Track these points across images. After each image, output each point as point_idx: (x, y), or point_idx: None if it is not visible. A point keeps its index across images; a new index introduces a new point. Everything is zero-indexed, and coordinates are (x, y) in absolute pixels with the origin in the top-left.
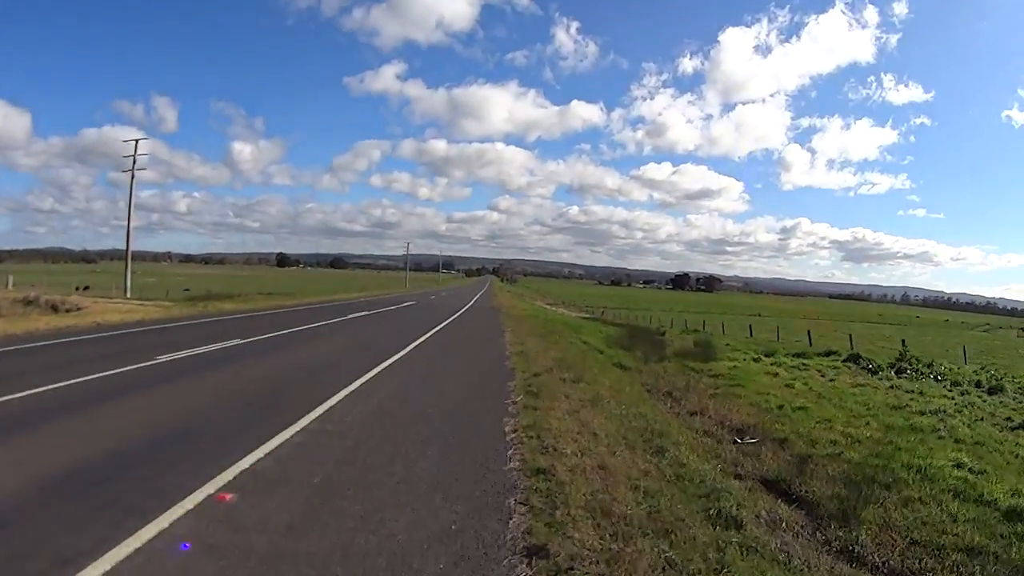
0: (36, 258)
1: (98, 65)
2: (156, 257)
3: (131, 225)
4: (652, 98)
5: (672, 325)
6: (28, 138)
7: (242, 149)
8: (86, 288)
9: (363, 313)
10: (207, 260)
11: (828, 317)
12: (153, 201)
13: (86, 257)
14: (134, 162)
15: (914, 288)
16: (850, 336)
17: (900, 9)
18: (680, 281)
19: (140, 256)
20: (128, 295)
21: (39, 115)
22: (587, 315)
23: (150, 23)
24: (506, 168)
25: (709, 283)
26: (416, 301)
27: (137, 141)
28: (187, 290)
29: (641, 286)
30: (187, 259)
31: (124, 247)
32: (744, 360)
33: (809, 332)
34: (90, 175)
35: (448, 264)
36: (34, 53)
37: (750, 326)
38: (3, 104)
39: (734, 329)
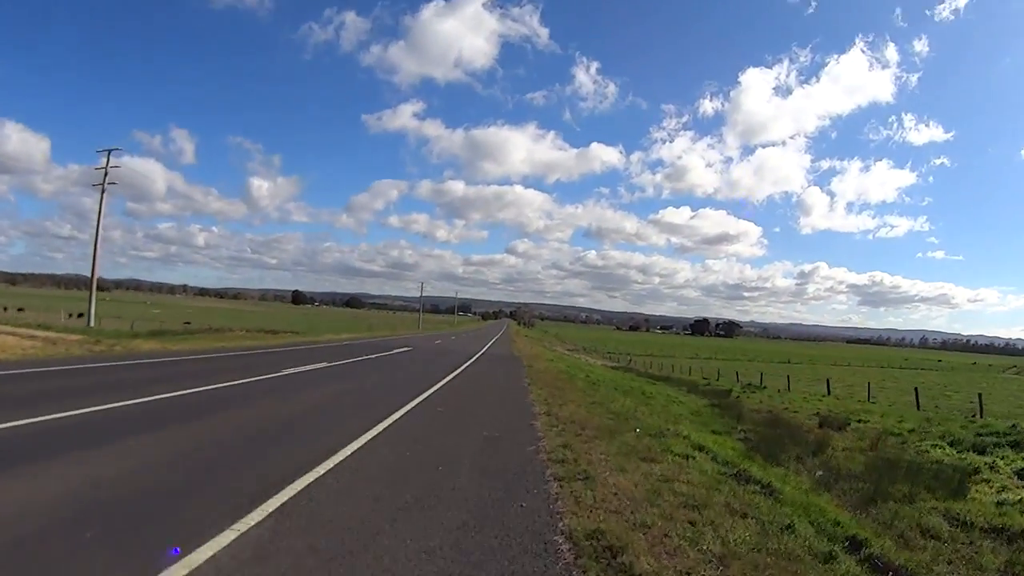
0: (49, 283)
1: (118, 95)
2: (172, 289)
3: (97, 250)
4: (671, 140)
5: (719, 376)
6: (47, 164)
7: (260, 185)
8: (19, 310)
9: (358, 359)
10: (222, 294)
11: (857, 363)
12: (171, 233)
13: (100, 285)
14: (105, 175)
15: (932, 331)
16: (916, 390)
17: (921, 47)
18: (699, 327)
19: (157, 287)
20: (91, 323)
21: (58, 141)
22: (613, 364)
23: (170, 56)
24: (524, 211)
25: (728, 329)
26: (424, 345)
27: (109, 152)
28: (187, 323)
29: (659, 332)
30: (202, 292)
31: (139, 277)
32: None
33: (869, 385)
34: (108, 204)
35: (465, 306)
36: (55, 80)
37: (828, 380)
38: (23, 129)
39: (795, 383)
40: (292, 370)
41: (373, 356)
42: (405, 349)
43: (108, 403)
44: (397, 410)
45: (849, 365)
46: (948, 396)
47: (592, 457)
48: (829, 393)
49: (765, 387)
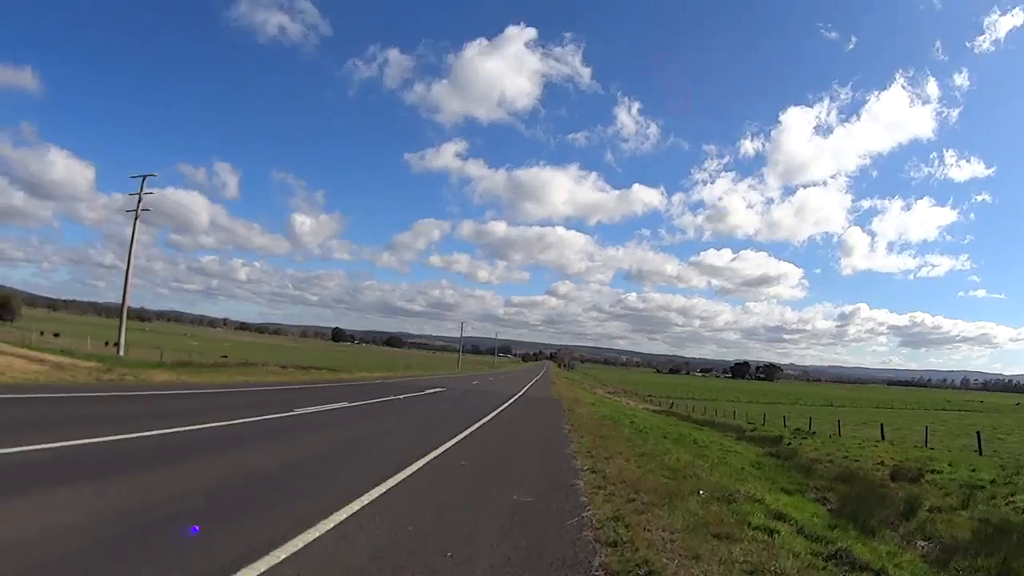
0: (90, 311)
1: (163, 126)
2: (213, 322)
3: (129, 277)
4: (713, 182)
5: (765, 420)
6: (91, 192)
7: (302, 221)
8: (55, 335)
9: (383, 399)
10: (262, 329)
11: (900, 406)
12: (213, 266)
13: (141, 315)
14: (139, 200)
15: (973, 371)
16: (978, 435)
17: (961, 81)
18: (740, 370)
19: (198, 320)
20: (121, 352)
21: (103, 169)
22: (656, 408)
23: (215, 89)
24: (565, 252)
25: (769, 371)
26: (459, 386)
27: (144, 178)
28: (224, 356)
29: (700, 374)
30: (243, 327)
31: (181, 309)
32: None
33: (926, 430)
34: (151, 235)
35: (505, 348)
36: (102, 107)
37: (881, 425)
38: (68, 155)
39: (844, 428)
40: (305, 409)
41: (401, 396)
42: (438, 390)
43: (48, 442)
44: (411, 464)
45: (892, 408)
46: (1001, 439)
47: (653, 536)
48: (883, 438)
49: (814, 432)
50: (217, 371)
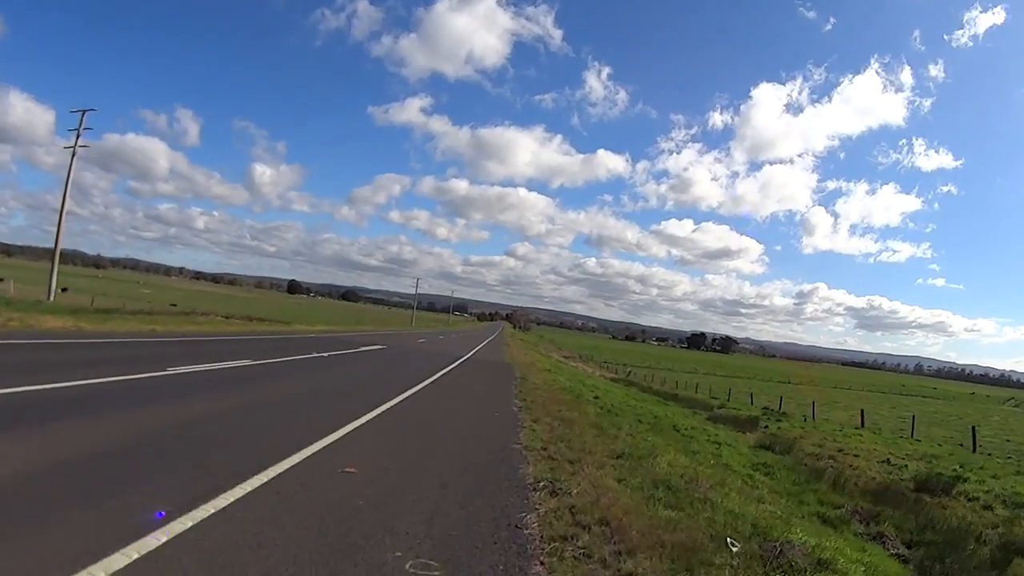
0: (46, 256)
1: (124, 71)
2: (169, 271)
3: (63, 218)
4: (679, 152)
5: (730, 396)
6: (50, 137)
7: (263, 172)
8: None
9: (302, 356)
10: (218, 279)
11: (858, 387)
12: (171, 214)
13: (97, 263)
14: (77, 136)
15: (927, 358)
16: (973, 430)
17: (936, 72)
18: (696, 341)
19: (154, 268)
20: (50, 298)
21: (63, 114)
22: (613, 375)
23: (178, 35)
24: (526, 214)
25: (725, 344)
26: (404, 344)
27: (83, 112)
28: (173, 305)
29: (655, 343)
30: (198, 276)
31: (138, 257)
32: None
33: (913, 419)
34: (110, 180)
35: (461, 307)
36: (63, 52)
37: (862, 412)
38: (28, 99)
39: (815, 409)
40: (185, 368)
41: (325, 354)
42: (376, 347)
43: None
44: (264, 471)
45: (850, 389)
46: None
47: None
48: (863, 425)
49: (785, 413)
50: (137, 319)
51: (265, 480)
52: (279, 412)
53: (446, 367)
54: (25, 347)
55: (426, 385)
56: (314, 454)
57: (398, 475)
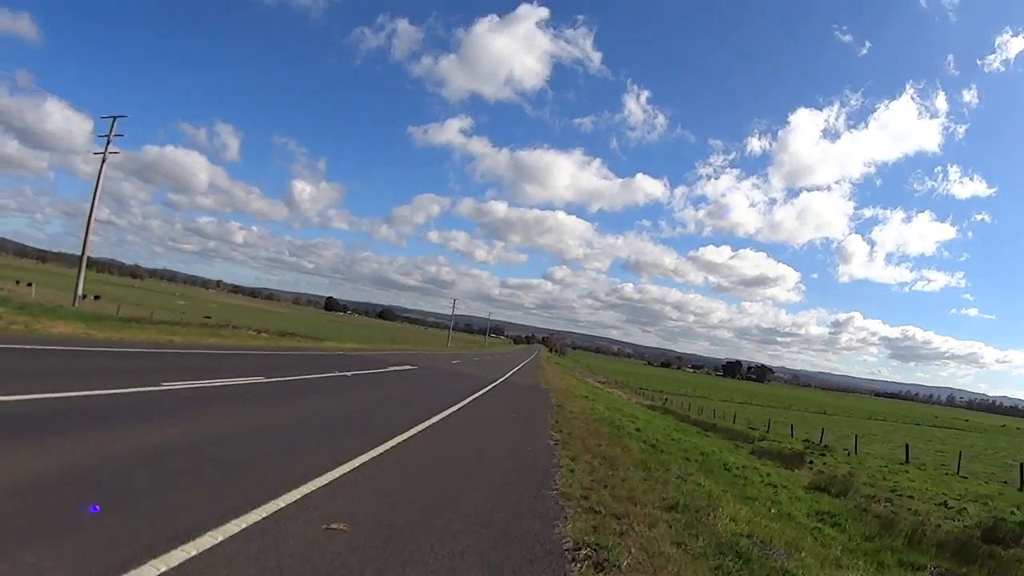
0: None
1: (164, 84)
2: (205, 283)
3: (91, 222)
4: (717, 177)
5: (769, 427)
6: (88, 145)
7: (303, 189)
8: (28, 284)
9: (321, 375)
10: (255, 294)
11: (893, 419)
12: (210, 228)
13: (134, 272)
14: (107, 142)
15: (958, 389)
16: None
17: (970, 98)
18: (731, 368)
19: (191, 280)
20: (76, 304)
21: (101, 124)
22: (649, 403)
23: (219, 49)
24: (564, 237)
25: (760, 373)
26: (436, 365)
27: (114, 119)
28: (208, 317)
29: (691, 370)
30: (236, 290)
31: (175, 268)
32: None
33: (960, 456)
34: (149, 192)
35: (498, 329)
36: (101, 60)
37: (907, 446)
38: (66, 107)
39: (867, 443)
40: (184, 384)
41: (349, 374)
42: (407, 368)
43: None
44: (217, 527)
45: (885, 420)
46: (1011, 465)
47: None
48: (908, 460)
49: (827, 447)
50: (157, 329)
51: (219, 540)
52: (266, 444)
53: (478, 392)
54: (5, 352)
55: (452, 412)
56: (298, 501)
57: (400, 536)
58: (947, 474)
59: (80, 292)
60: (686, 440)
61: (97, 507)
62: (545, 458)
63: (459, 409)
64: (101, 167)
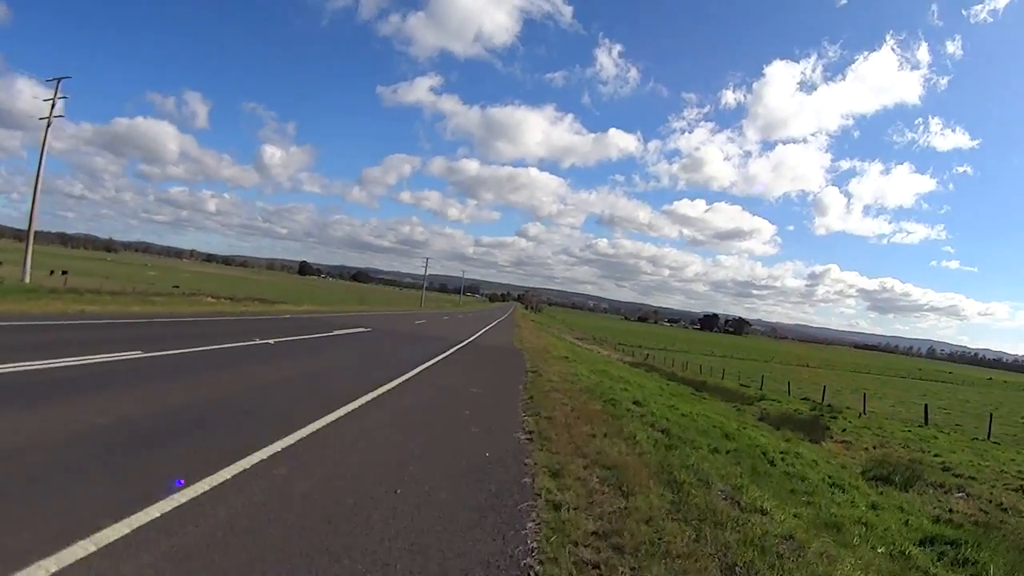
0: (56, 241)
1: (131, 54)
2: (179, 253)
3: (37, 192)
4: (691, 131)
5: (763, 384)
6: (60, 122)
7: (273, 153)
8: None
9: (245, 343)
10: (228, 261)
11: (876, 371)
12: (182, 197)
13: (109, 246)
14: (52, 105)
15: (939, 342)
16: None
17: (954, 49)
18: (708, 322)
19: (165, 251)
20: (26, 279)
21: (72, 99)
22: (631, 359)
23: (184, 17)
24: (537, 194)
25: (738, 326)
26: (395, 327)
27: (58, 80)
28: (176, 287)
29: (668, 324)
30: (209, 259)
31: (150, 240)
32: None
33: (991, 418)
34: (120, 165)
35: (473, 288)
36: (69, 35)
37: (926, 407)
38: (36, 83)
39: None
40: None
41: (272, 341)
42: (357, 331)
43: None
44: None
45: (869, 373)
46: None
47: None
48: (927, 422)
49: (831, 407)
50: (101, 300)
51: None
52: (75, 463)
53: (435, 357)
54: None
55: (386, 391)
56: None
57: None
58: (976, 439)
59: (28, 266)
60: (693, 411)
61: None
62: (513, 474)
63: (398, 386)
64: (46, 132)
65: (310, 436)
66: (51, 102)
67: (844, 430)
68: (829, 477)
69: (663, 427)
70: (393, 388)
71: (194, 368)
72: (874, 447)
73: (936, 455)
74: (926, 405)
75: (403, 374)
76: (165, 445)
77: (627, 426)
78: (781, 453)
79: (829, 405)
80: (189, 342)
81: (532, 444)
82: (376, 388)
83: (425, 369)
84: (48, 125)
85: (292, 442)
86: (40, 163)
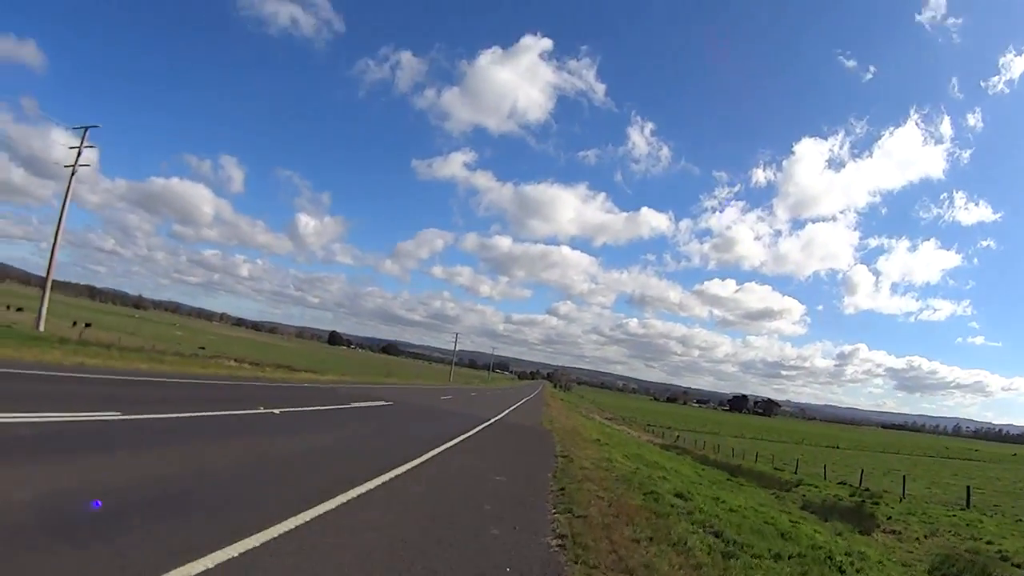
0: (84, 294)
1: (170, 113)
2: (209, 316)
3: (57, 241)
4: (722, 210)
5: (798, 467)
6: (94, 175)
7: (307, 222)
8: (19, 310)
9: (279, 411)
10: (258, 327)
11: (906, 451)
12: (214, 260)
13: (138, 303)
14: (78, 154)
15: (964, 419)
16: None
17: (975, 122)
18: (737, 403)
19: (195, 312)
20: (41, 328)
21: (107, 153)
22: (661, 441)
23: (222, 81)
24: (569, 272)
25: (767, 407)
26: (418, 401)
27: (85, 129)
28: (202, 348)
29: (697, 405)
30: (239, 322)
31: (180, 301)
32: None
33: None
34: (153, 223)
35: (503, 364)
36: (106, 89)
37: (968, 490)
38: (70, 134)
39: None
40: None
41: (278, 412)
42: (376, 404)
43: None
44: None
45: (898, 453)
46: None
47: None
48: (969, 505)
49: (868, 490)
50: (107, 354)
51: None
52: None
53: (456, 437)
54: None
55: (398, 474)
56: None
57: None
58: (1020, 520)
59: (44, 314)
60: (741, 505)
61: None
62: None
63: (409, 471)
64: (70, 180)
65: (272, 542)
66: (77, 150)
67: (890, 517)
68: None
69: (714, 527)
70: (402, 473)
71: (170, 438)
72: (925, 536)
73: (989, 542)
74: (968, 487)
75: (418, 456)
76: (52, 548)
77: (674, 527)
78: (846, 555)
79: (867, 489)
80: (182, 406)
81: (565, 554)
82: (381, 474)
83: (442, 451)
84: (73, 173)
85: (234, 554)
86: (62, 212)
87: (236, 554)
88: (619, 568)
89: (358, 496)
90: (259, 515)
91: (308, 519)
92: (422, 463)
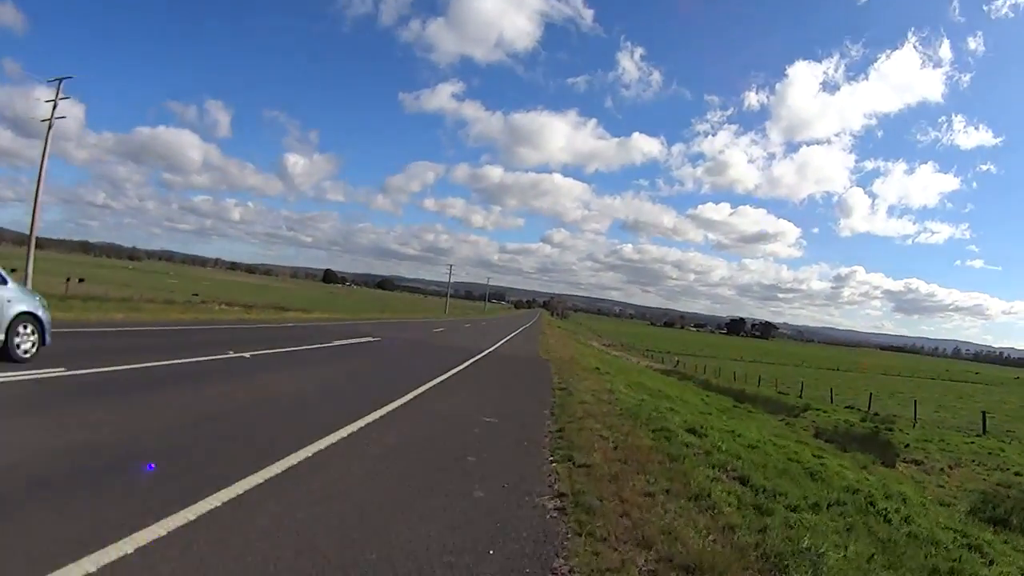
0: (78, 250)
1: (150, 62)
2: (204, 262)
3: (38, 198)
4: (714, 134)
5: (802, 394)
6: (81, 130)
7: (296, 162)
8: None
9: (249, 355)
10: (252, 270)
11: (907, 374)
12: (205, 206)
13: (132, 255)
14: (54, 107)
15: (963, 342)
16: None
17: (976, 45)
18: (735, 326)
19: (189, 259)
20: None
21: (93, 108)
22: (660, 366)
23: (203, 24)
24: (562, 200)
25: (764, 330)
26: (411, 336)
27: (60, 81)
28: (195, 294)
29: (694, 329)
30: (233, 267)
31: (174, 249)
32: None
33: None
34: (142, 174)
35: (498, 295)
36: (87, 44)
37: (984, 414)
38: (50, 89)
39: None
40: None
41: (248, 355)
42: (361, 341)
43: None
44: None
45: (899, 375)
46: None
47: None
48: (985, 431)
49: (877, 415)
50: (91, 305)
51: None
52: None
53: (447, 372)
54: None
55: (371, 422)
56: None
57: None
58: None
59: (30, 272)
60: (759, 439)
61: None
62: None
63: (385, 416)
64: (47, 134)
65: (207, 515)
66: (53, 103)
67: (907, 445)
68: (954, 532)
69: (737, 472)
70: (373, 422)
71: (123, 388)
72: (950, 467)
73: (1017, 473)
74: (984, 413)
75: (398, 397)
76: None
77: (693, 474)
78: (887, 498)
79: (876, 413)
80: (145, 355)
81: (565, 521)
82: (348, 424)
83: (431, 388)
84: (50, 127)
85: (161, 532)
86: (41, 166)
87: (164, 532)
88: (633, 539)
89: (310, 456)
90: (203, 477)
91: (241, 492)
92: (400, 406)
